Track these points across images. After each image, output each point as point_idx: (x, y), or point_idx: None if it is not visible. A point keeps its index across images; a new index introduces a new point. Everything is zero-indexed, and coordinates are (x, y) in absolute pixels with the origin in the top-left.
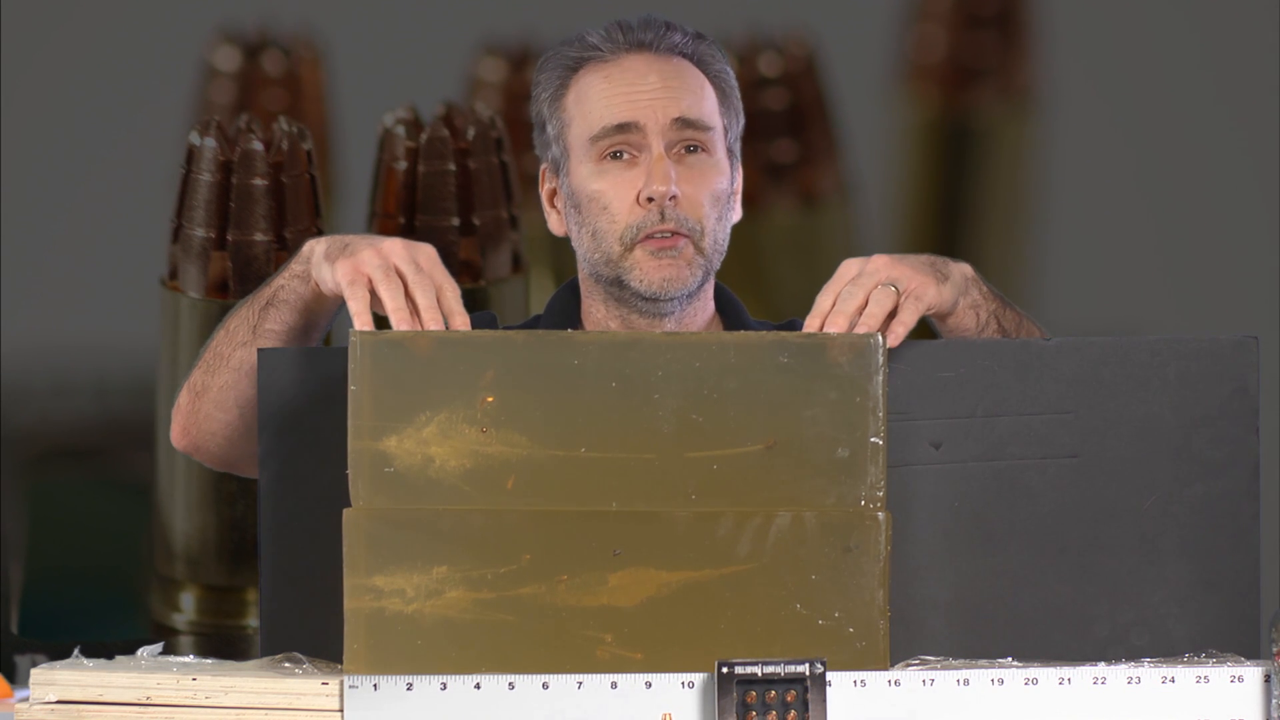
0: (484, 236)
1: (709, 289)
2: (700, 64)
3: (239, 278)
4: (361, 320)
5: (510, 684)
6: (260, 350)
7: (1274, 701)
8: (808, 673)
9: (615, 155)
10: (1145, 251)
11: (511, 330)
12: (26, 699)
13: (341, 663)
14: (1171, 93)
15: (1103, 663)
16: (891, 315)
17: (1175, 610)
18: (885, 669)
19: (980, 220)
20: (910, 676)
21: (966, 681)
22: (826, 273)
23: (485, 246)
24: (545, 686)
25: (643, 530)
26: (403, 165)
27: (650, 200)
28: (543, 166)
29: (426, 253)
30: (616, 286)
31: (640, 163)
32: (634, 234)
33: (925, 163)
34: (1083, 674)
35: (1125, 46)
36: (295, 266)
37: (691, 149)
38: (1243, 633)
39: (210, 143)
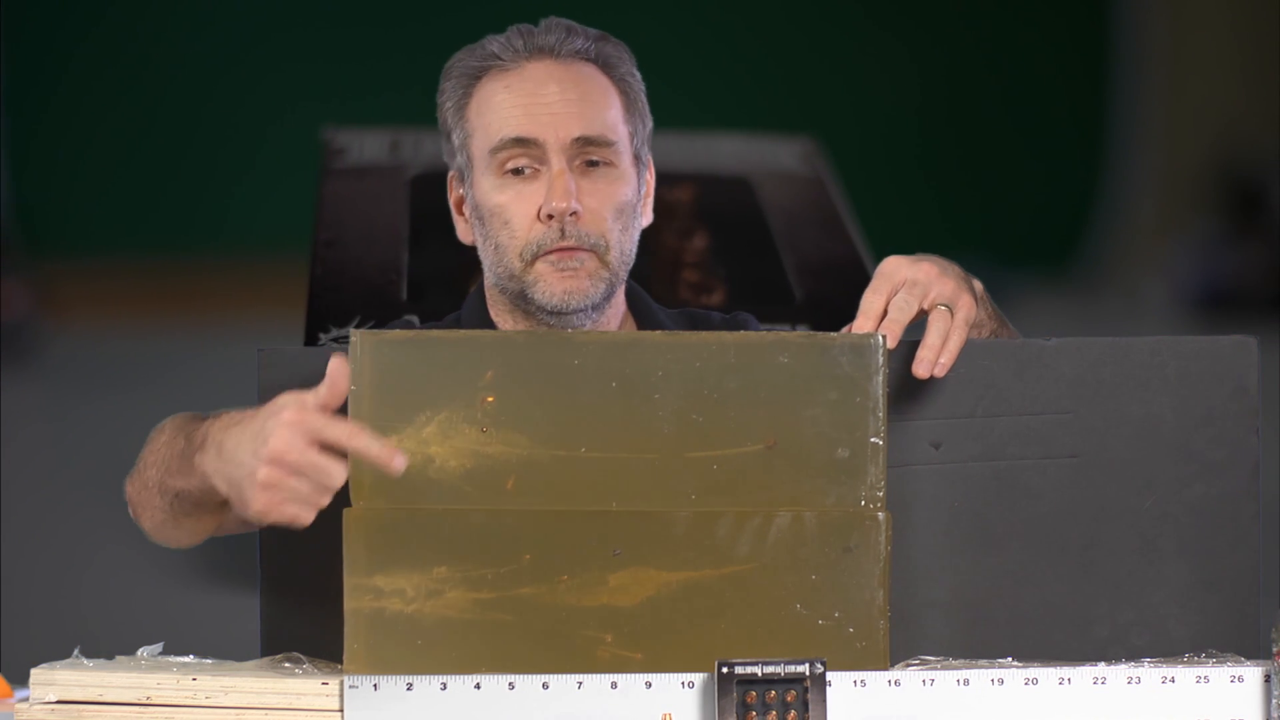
0: None
1: (618, 296)
2: (605, 67)
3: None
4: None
5: (510, 684)
6: (260, 350)
7: (1274, 701)
8: (808, 673)
9: (516, 171)
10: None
11: (508, 330)
12: (26, 699)
13: (341, 663)
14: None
15: (1103, 663)
16: None
17: (1175, 610)
18: (885, 669)
19: None
20: (910, 676)
21: (966, 681)
22: None
23: None
24: (545, 686)
25: (643, 530)
26: None
27: (550, 217)
28: (450, 173)
29: (297, 436)
30: (521, 299)
31: (541, 177)
32: (534, 250)
33: None
34: (1083, 674)
35: None
36: (191, 479)
37: (593, 163)
38: (1243, 633)
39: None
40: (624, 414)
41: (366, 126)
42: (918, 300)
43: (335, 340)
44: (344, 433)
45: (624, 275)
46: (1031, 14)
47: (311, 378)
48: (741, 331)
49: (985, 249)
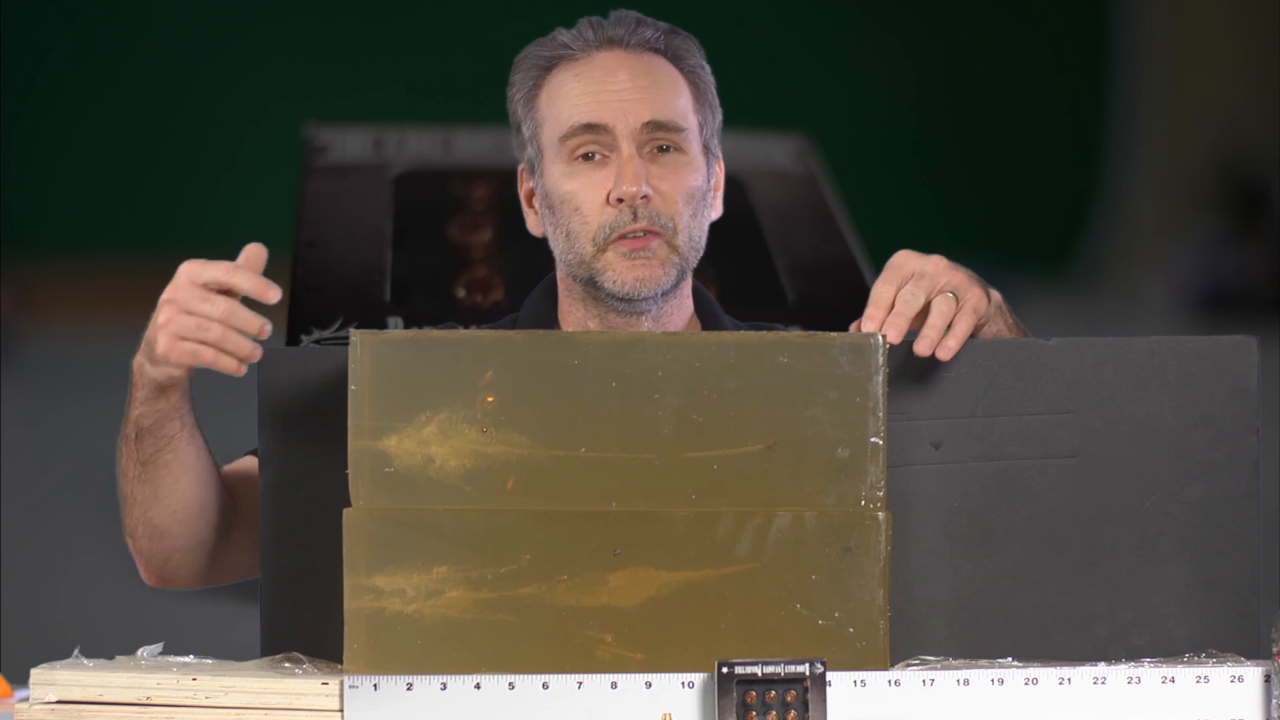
0: None
1: (686, 287)
2: (674, 59)
3: None
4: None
5: (510, 684)
6: (262, 350)
7: (1274, 701)
8: (808, 673)
9: (586, 156)
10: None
11: (508, 330)
12: (26, 699)
13: (341, 663)
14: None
15: (1103, 663)
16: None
17: (1175, 610)
18: (885, 669)
19: None
20: (910, 676)
21: (966, 681)
22: None
23: None
24: (545, 686)
25: (643, 530)
26: None
27: (621, 200)
28: (520, 166)
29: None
30: (591, 286)
31: (611, 163)
32: (606, 234)
33: None
34: (1083, 674)
35: None
36: (138, 393)
37: (664, 148)
38: (1243, 633)
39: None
40: (624, 414)
41: (349, 124)
42: (925, 292)
43: (318, 342)
44: (221, 270)
45: (694, 262)
46: (1030, 11)
47: (310, 377)
48: (741, 331)
49: (983, 249)
